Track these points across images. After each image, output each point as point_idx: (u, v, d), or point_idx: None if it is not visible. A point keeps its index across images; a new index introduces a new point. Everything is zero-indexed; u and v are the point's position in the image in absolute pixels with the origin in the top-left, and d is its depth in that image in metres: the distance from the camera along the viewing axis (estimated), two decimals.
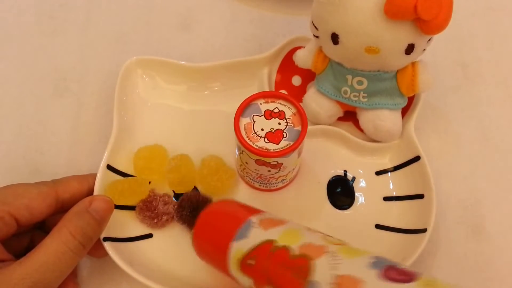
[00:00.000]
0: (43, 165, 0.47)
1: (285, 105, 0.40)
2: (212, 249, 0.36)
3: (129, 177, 0.43)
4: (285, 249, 0.31)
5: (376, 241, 0.42)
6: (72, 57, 0.52)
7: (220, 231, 0.36)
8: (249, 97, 0.40)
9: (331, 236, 0.33)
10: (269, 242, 0.32)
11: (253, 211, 0.36)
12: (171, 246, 0.42)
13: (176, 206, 0.42)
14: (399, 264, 0.28)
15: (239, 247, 0.33)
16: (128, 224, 0.42)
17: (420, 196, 0.42)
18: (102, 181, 0.41)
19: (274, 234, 0.32)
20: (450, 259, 0.43)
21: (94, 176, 0.41)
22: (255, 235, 0.33)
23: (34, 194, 0.37)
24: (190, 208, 0.41)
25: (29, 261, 0.33)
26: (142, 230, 0.42)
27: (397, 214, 0.43)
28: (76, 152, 0.47)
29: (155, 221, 0.41)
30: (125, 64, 0.46)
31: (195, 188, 0.44)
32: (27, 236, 0.39)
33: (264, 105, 0.40)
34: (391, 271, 0.27)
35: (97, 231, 0.37)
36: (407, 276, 0.26)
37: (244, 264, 0.32)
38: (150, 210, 0.41)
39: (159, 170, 0.43)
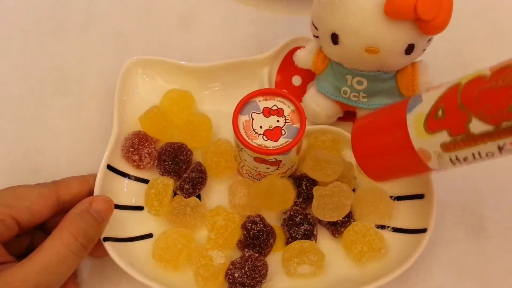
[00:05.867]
0: (43, 165, 0.47)
1: (283, 103, 0.40)
2: (384, 138, 0.35)
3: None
4: (475, 77, 0.30)
5: None
6: (72, 57, 0.52)
7: (387, 117, 0.35)
8: (247, 95, 0.40)
9: None
10: (454, 86, 0.31)
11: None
12: None
13: (156, 162, 0.44)
14: None
15: (418, 112, 0.32)
16: (128, 224, 0.42)
17: (420, 196, 0.42)
18: (102, 181, 0.41)
19: (452, 82, 0.31)
20: (450, 259, 0.43)
21: (94, 176, 0.41)
22: (431, 95, 0.32)
23: (35, 196, 0.37)
24: (170, 157, 0.43)
25: (30, 263, 0.33)
26: (142, 230, 0.42)
27: (397, 214, 0.43)
28: (76, 152, 0.47)
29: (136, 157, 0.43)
30: (125, 64, 0.46)
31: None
32: (28, 236, 0.39)
33: (263, 103, 0.40)
34: None
35: (98, 232, 0.37)
36: None
37: (432, 121, 0.31)
38: (134, 147, 0.43)
39: (179, 116, 0.46)
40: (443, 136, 0.31)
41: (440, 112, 0.31)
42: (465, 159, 0.31)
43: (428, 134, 0.32)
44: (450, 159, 0.31)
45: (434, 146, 0.32)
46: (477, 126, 0.29)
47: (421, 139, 0.32)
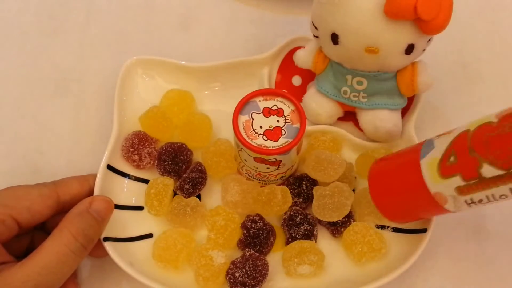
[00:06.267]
0: (43, 165, 0.47)
1: (283, 103, 0.40)
2: (401, 185, 0.37)
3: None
4: (483, 124, 0.31)
5: None
6: (72, 57, 0.52)
7: (402, 163, 0.37)
8: (247, 95, 0.40)
9: None
10: (463, 133, 0.32)
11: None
12: None
13: (156, 162, 0.44)
14: None
15: (431, 158, 0.33)
16: (128, 224, 0.42)
17: None
18: (102, 181, 0.41)
19: (462, 128, 0.33)
20: (450, 259, 0.43)
21: (94, 176, 0.41)
22: (442, 141, 0.33)
23: (35, 196, 0.37)
24: (170, 157, 0.43)
25: (30, 263, 0.33)
26: (142, 230, 0.42)
27: None
28: (76, 152, 0.47)
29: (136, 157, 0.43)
30: (125, 64, 0.46)
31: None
32: (28, 236, 0.39)
33: (263, 103, 0.40)
34: None
35: (98, 232, 0.37)
36: None
37: (445, 166, 0.32)
38: (134, 147, 0.43)
39: (179, 116, 0.46)
40: (457, 181, 0.32)
41: (452, 158, 0.32)
42: (480, 201, 0.32)
43: (442, 179, 0.33)
44: (466, 202, 0.33)
45: (449, 190, 0.33)
46: (488, 170, 0.30)
47: (436, 184, 0.33)
